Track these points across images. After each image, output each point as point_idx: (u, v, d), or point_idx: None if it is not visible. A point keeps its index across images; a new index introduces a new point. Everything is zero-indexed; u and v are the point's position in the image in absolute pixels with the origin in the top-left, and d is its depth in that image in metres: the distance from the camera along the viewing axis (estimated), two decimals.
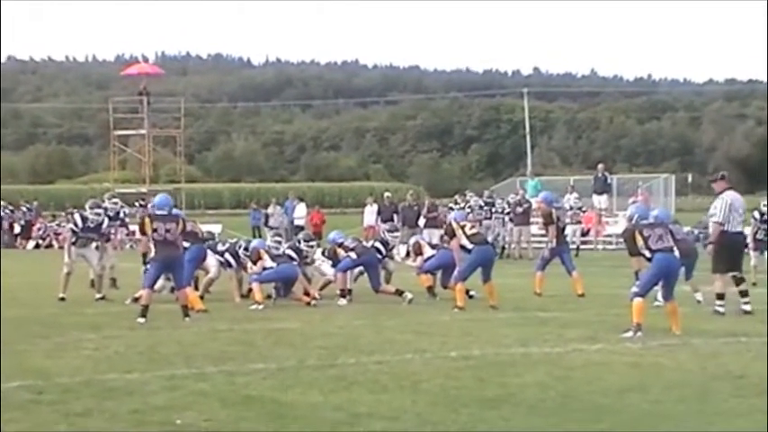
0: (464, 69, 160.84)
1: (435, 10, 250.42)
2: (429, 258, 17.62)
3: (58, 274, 17.19)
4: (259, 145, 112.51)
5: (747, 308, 14.80)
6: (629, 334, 12.11)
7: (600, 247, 33.92)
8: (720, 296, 14.84)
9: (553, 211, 18.44)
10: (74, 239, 17.33)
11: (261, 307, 15.58)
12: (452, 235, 16.21)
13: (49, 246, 38.94)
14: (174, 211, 15.36)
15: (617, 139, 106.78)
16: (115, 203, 19.50)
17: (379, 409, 7.92)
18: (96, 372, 9.52)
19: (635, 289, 12.61)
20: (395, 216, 31.51)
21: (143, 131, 47.83)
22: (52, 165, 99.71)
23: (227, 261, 17.24)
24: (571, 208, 32.74)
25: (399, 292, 16.55)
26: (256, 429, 7.34)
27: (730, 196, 15.04)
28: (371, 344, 11.59)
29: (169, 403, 8.10)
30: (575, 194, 33.70)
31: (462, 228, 16.14)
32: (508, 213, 30.88)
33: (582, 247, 32.17)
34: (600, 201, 34.61)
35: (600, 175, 35.13)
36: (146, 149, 48.46)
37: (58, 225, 40.06)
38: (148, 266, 14.99)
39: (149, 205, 23.72)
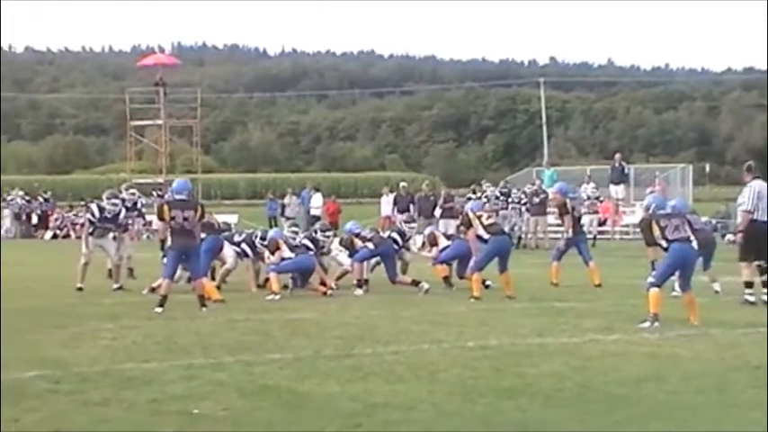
0: (480, 59, 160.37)
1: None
2: (444, 249, 17.61)
3: (76, 265, 17.25)
4: (275, 135, 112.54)
5: None
6: (647, 324, 12.08)
7: (617, 237, 33.85)
8: (749, 284, 14.80)
9: (568, 201, 18.41)
10: (91, 230, 17.36)
11: (277, 297, 15.61)
12: (469, 225, 16.18)
13: (67, 236, 39.11)
14: None
15: (634, 129, 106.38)
16: (132, 194, 19.55)
17: (395, 399, 7.93)
18: (114, 361, 9.55)
19: (651, 279, 12.58)
20: (411, 206, 31.50)
21: (159, 122, 47.97)
22: (69, 155, 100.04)
23: (244, 251, 17.25)
24: (588, 198, 32.69)
25: (416, 283, 16.55)
26: (273, 419, 7.35)
27: (758, 185, 15.00)
28: (388, 334, 11.60)
29: (187, 393, 8.12)
30: (591, 184, 33.63)
31: (479, 218, 16.13)
32: (525, 203, 30.85)
33: (599, 237, 32.08)
34: (617, 191, 34.52)
35: (617, 164, 35.04)
36: (162, 140, 48.58)
37: (75, 215, 40.27)
38: (166, 255, 14.98)
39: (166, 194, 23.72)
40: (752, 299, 14.65)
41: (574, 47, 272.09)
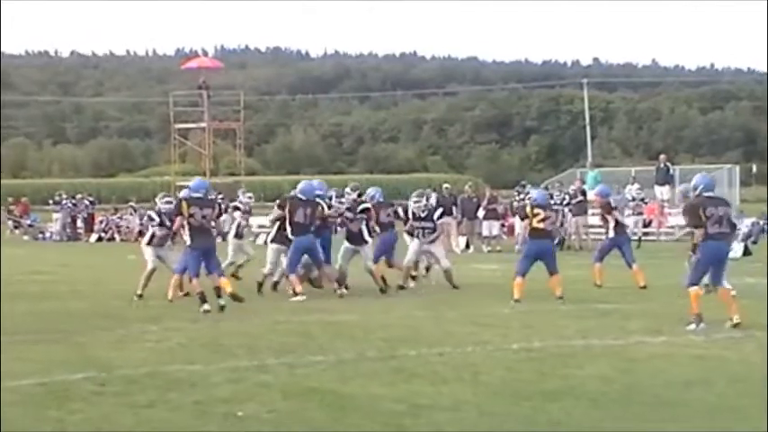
0: (523, 60, 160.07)
1: (494, 0, 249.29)
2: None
3: (121, 267, 17.36)
4: (318, 137, 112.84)
5: None
6: (692, 327, 11.95)
7: (662, 238, 33.56)
8: None
9: (611, 202, 18.35)
10: (149, 239, 16.86)
11: (303, 298, 15.59)
12: (525, 216, 16.12)
13: (111, 239, 39.37)
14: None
15: (679, 130, 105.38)
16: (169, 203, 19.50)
17: (439, 400, 7.91)
18: (159, 363, 9.60)
19: (687, 278, 12.46)
20: (454, 208, 31.43)
21: (203, 124, 48.24)
22: (114, 158, 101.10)
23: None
24: (633, 199, 32.47)
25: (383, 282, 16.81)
26: (317, 420, 7.35)
27: None
28: (432, 335, 11.57)
29: (231, 395, 8.15)
30: (636, 185, 33.39)
31: (535, 215, 15.80)
32: (567, 204, 30.68)
33: (644, 238, 31.84)
34: (662, 192, 34.25)
35: (662, 165, 34.77)
36: (206, 142, 48.86)
37: (120, 218, 40.56)
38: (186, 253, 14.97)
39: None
40: None
41: (617, 47, 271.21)
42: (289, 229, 15.96)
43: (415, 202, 17.60)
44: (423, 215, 17.41)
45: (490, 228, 30.07)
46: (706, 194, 12.54)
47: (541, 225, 15.70)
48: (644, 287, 17.03)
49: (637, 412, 7.58)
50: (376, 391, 8.31)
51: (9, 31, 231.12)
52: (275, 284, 16.88)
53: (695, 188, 12.75)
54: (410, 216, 17.51)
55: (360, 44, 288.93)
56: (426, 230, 17.33)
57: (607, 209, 18.20)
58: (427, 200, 17.75)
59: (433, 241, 17.50)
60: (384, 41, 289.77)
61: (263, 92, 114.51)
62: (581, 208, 30.10)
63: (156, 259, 16.34)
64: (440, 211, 17.81)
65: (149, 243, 16.55)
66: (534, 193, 18.38)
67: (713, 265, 12.44)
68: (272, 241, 16.92)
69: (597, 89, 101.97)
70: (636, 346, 10.71)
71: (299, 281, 16.23)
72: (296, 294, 15.63)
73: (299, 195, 16.16)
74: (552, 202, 30.83)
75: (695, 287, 12.28)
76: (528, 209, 16.02)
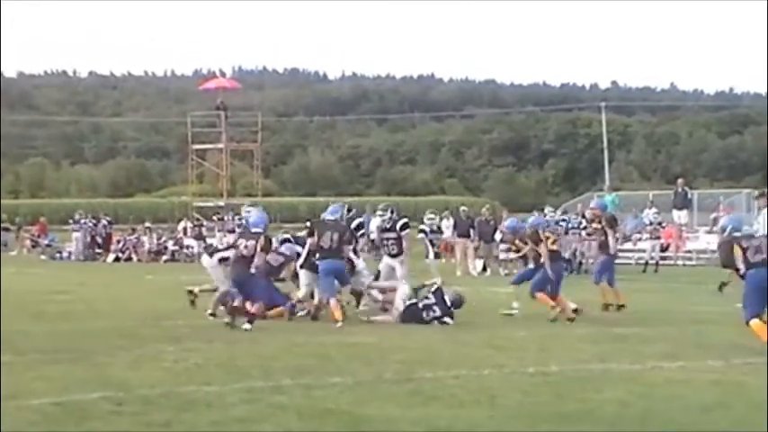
0: (541, 83, 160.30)
1: (512, 23, 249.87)
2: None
3: (138, 287, 17.40)
4: (335, 158, 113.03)
5: None
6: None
7: (680, 262, 33.47)
8: None
9: (611, 217, 18.56)
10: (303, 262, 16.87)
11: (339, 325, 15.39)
12: (537, 241, 16.28)
13: (129, 258, 39.51)
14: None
15: (697, 154, 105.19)
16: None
17: (456, 424, 7.88)
18: (176, 384, 9.60)
19: (744, 313, 12.25)
20: (471, 230, 31.43)
21: (221, 145, 48.35)
22: (131, 178, 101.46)
23: None
24: (650, 223, 32.40)
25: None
26: None
27: None
28: (449, 358, 11.54)
29: (247, 415, 8.14)
30: (654, 209, 33.35)
31: (546, 239, 16.21)
32: (584, 228, 30.61)
33: (661, 262, 31.78)
34: (680, 216, 34.19)
35: (680, 189, 34.72)
36: (223, 163, 48.97)
37: (137, 238, 40.70)
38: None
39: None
40: None
41: (636, 71, 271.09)
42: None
43: (380, 215, 17.58)
44: (387, 227, 17.34)
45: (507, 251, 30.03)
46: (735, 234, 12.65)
47: (555, 247, 16.14)
48: (622, 306, 17.25)
49: None
50: (392, 413, 8.29)
51: (28, 50, 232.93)
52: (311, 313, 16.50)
53: (723, 230, 13.11)
54: (374, 229, 17.49)
55: (378, 66, 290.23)
56: (390, 241, 17.23)
57: (609, 223, 18.24)
58: (392, 213, 17.50)
59: (396, 255, 17.36)
60: (402, 63, 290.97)
61: (280, 113, 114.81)
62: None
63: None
64: (402, 222, 17.39)
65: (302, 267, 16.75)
66: (531, 219, 18.82)
67: (761, 292, 12.22)
68: (301, 267, 16.87)
69: (615, 112, 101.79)
70: (653, 371, 10.66)
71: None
72: (336, 321, 15.05)
73: (328, 217, 16.08)
74: (570, 225, 30.96)
75: (756, 320, 12.06)
76: (540, 233, 16.28)
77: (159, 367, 10.77)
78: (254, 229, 15.53)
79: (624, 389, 9.50)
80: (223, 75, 57.07)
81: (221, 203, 44.56)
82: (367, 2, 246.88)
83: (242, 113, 56.27)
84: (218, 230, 36.76)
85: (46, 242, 44.78)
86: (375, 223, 17.73)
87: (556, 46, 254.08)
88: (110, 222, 42.71)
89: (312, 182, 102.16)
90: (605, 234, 18.12)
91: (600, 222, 18.50)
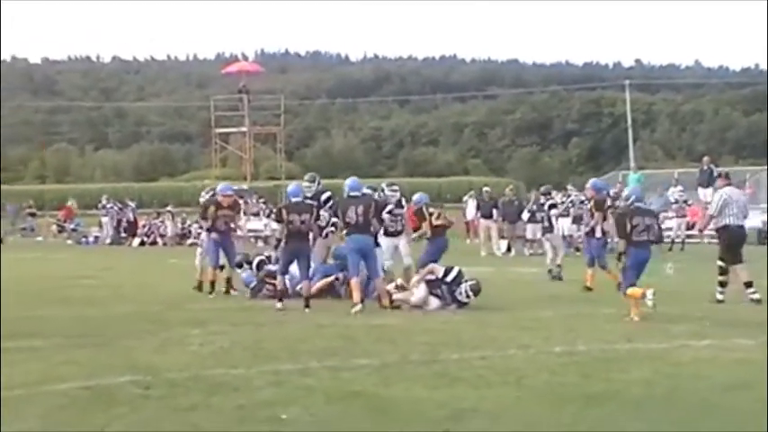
0: (564, 62, 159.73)
1: (534, 2, 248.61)
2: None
3: (163, 271, 17.48)
4: (357, 141, 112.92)
5: None
6: None
7: (705, 240, 33.29)
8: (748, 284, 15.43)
9: (608, 200, 18.57)
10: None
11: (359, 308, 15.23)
12: (600, 209, 16.61)
13: (154, 243, 39.69)
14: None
15: (722, 131, 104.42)
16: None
17: (482, 405, 7.87)
18: (202, 367, 9.62)
19: (622, 287, 13.43)
20: (494, 211, 31.38)
21: (244, 129, 48.51)
22: (155, 163, 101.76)
23: None
24: (676, 201, 32.23)
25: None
26: (361, 424, 7.35)
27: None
28: (474, 339, 11.53)
29: (274, 398, 8.15)
30: (679, 187, 33.18)
31: (430, 215, 16.83)
32: (609, 207, 30.43)
33: (687, 240, 31.63)
34: (706, 194, 33.96)
35: (705, 167, 34.50)
36: (246, 147, 49.10)
37: (161, 222, 40.87)
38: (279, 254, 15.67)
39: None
40: (756, 296, 15.04)
41: (660, 48, 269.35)
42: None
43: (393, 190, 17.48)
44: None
45: (534, 231, 29.92)
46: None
47: (440, 221, 17.40)
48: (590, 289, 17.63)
49: (680, 416, 7.51)
50: (419, 395, 8.30)
51: (52, 36, 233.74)
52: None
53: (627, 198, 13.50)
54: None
55: (399, 48, 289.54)
56: (398, 218, 17.29)
57: (599, 207, 18.19)
58: (317, 184, 17.12)
59: (399, 233, 17.27)
60: (424, 45, 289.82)
61: (302, 96, 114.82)
62: None
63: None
64: (326, 195, 17.05)
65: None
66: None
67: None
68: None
69: (639, 91, 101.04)
70: (680, 350, 10.63)
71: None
72: (355, 304, 14.66)
73: (351, 193, 15.41)
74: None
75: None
76: (424, 210, 17.19)
77: (185, 351, 10.80)
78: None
79: (651, 368, 9.47)
80: (245, 58, 57.66)
81: (245, 186, 44.67)
82: None
83: (265, 97, 56.36)
84: (243, 214, 36.82)
85: (72, 227, 45.02)
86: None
87: (578, 24, 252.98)
88: (136, 207, 42.92)
89: (335, 164, 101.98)
90: (591, 215, 18.20)
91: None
